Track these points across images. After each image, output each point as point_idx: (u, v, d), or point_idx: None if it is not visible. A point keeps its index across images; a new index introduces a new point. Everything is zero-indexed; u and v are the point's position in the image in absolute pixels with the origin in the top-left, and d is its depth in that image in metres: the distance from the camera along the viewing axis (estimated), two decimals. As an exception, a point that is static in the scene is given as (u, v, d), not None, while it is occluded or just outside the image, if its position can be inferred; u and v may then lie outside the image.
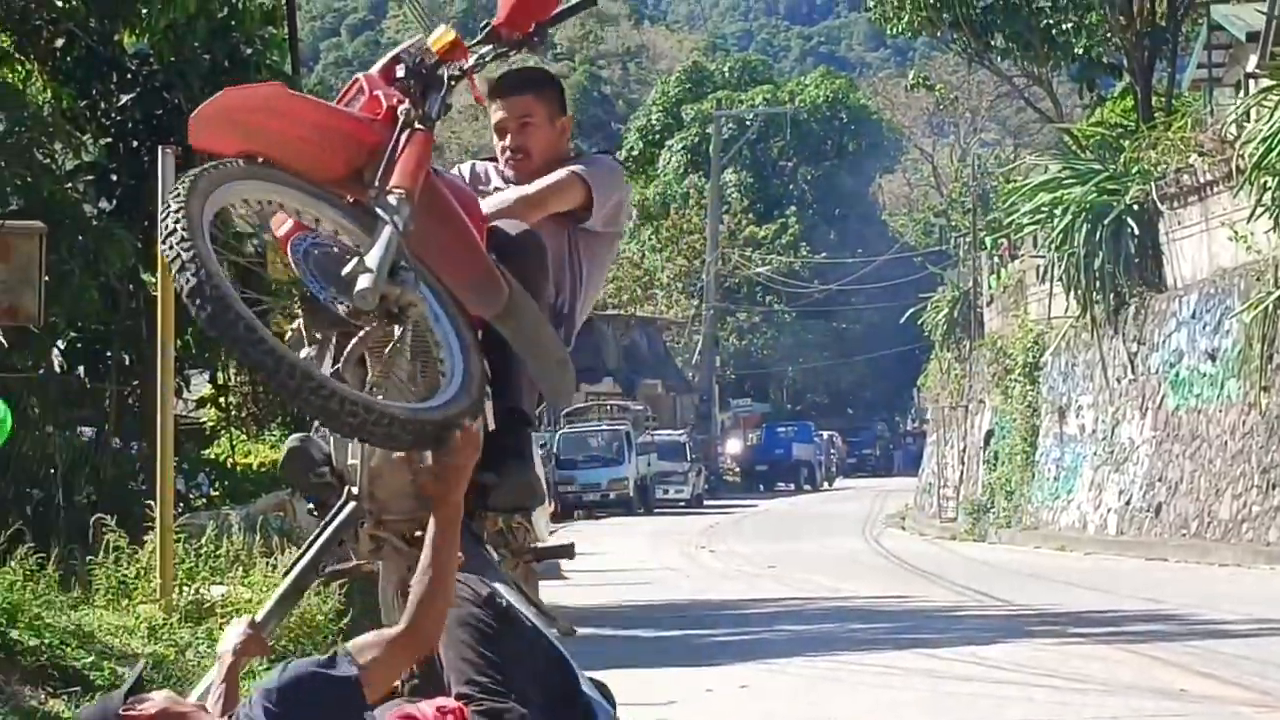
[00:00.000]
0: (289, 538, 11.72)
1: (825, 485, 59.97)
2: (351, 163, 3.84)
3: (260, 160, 3.74)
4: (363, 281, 3.63)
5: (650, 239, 65.58)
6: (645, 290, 62.20)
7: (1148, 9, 29.31)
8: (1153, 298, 24.46)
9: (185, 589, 9.82)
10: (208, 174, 3.64)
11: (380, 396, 3.79)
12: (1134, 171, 25.02)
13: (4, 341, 14.09)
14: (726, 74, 75.73)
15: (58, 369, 15.72)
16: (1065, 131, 32.63)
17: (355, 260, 3.69)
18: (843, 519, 36.94)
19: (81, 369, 16.01)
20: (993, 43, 32.70)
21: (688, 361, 62.33)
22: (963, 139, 61.13)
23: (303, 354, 3.74)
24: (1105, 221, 24.65)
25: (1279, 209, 19.48)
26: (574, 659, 3.79)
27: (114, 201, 15.37)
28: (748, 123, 66.44)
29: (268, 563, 10.24)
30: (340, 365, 3.85)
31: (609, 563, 23.08)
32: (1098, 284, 25.14)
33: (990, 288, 36.48)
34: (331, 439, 4.14)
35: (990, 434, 32.62)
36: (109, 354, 15.80)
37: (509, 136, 4.71)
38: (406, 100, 3.89)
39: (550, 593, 15.29)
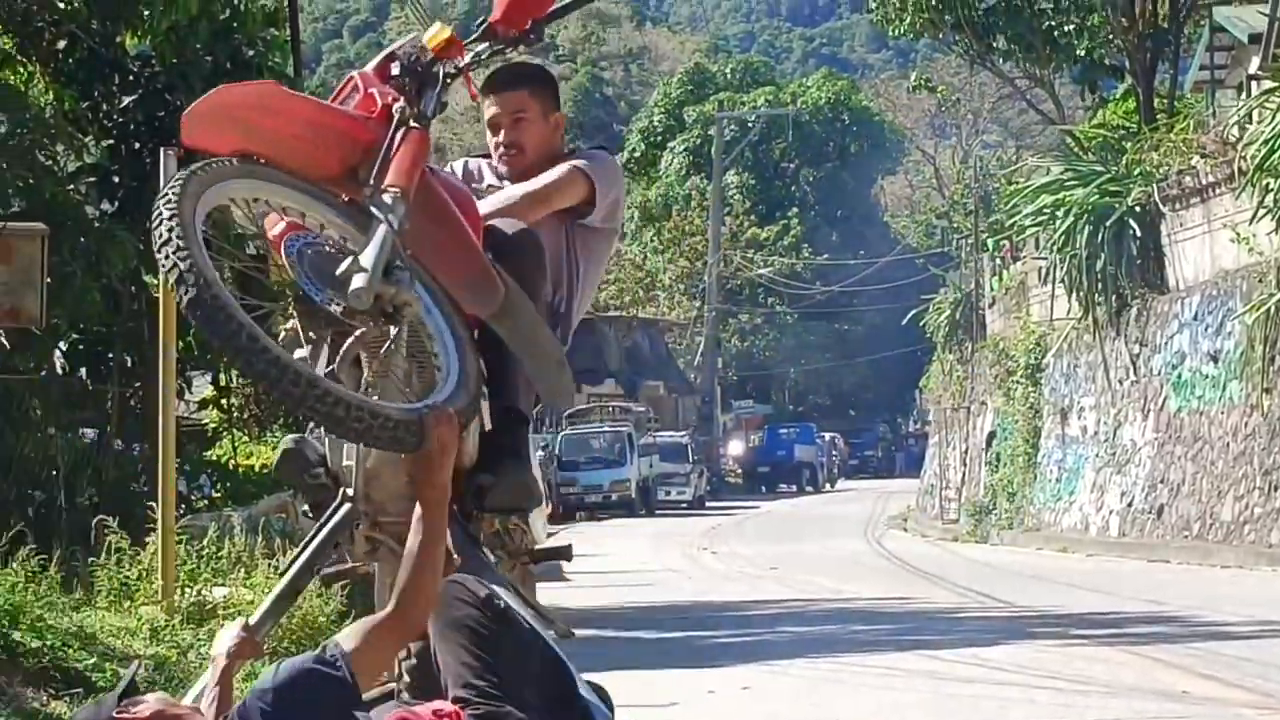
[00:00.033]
0: (291, 539, 11.71)
1: (827, 487, 59.96)
2: (346, 161, 3.81)
3: (254, 159, 3.71)
4: (357, 281, 3.60)
5: (652, 240, 65.62)
6: (647, 292, 62.20)
7: (1150, 11, 29.30)
8: (1155, 299, 24.46)
9: (187, 590, 9.82)
10: (199, 174, 3.60)
11: (376, 396, 3.77)
12: (1136, 173, 25.01)
13: (6, 343, 14.10)
14: (728, 75, 75.75)
15: (60, 371, 15.74)
16: (1067, 133, 32.61)
17: (350, 259, 3.65)
18: (845, 521, 36.92)
19: (83, 370, 16.03)
20: (995, 44, 32.68)
21: (690, 363, 62.33)
22: (965, 141, 61.12)
23: (297, 354, 3.71)
24: (1107, 223, 24.64)
25: (1281, 210, 19.48)
26: (573, 661, 3.78)
27: (116, 203, 15.38)
28: (750, 124, 66.44)
29: (269, 564, 10.25)
30: (336, 365, 3.81)
31: (611, 564, 23.08)
32: (1100, 286, 25.14)
33: (992, 289, 36.48)
34: (327, 440, 4.11)
35: (992, 435, 32.61)
36: (111, 356, 15.81)
37: (502, 132, 4.69)
38: (402, 98, 3.86)
39: (552, 594, 15.31)
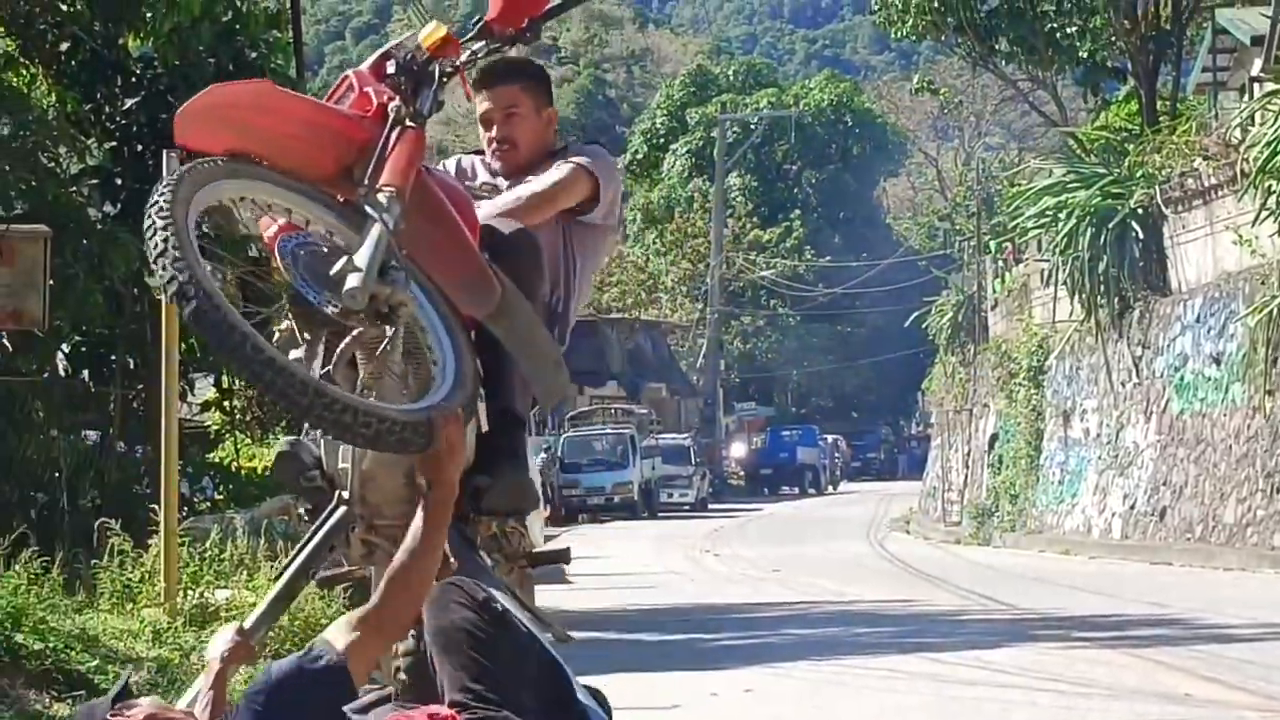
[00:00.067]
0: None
1: (829, 489, 59.93)
2: (341, 160, 3.78)
3: (248, 158, 3.68)
4: (352, 281, 3.56)
5: (655, 243, 65.63)
6: (650, 294, 62.19)
7: (1152, 13, 29.30)
8: (1157, 301, 24.45)
9: (190, 593, 9.83)
10: (189, 176, 3.56)
11: (373, 397, 3.74)
12: (1138, 175, 25.00)
13: (9, 345, 14.12)
14: (731, 77, 75.72)
15: (62, 373, 15.75)
16: (1069, 135, 32.61)
17: (344, 259, 3.62)
18: (847, 523, 36.91)
19: (86, 373, 16.04)
20: (997, 46, 32.69)
21: (692, 365, 62.32)
22: (967, 143, 61.20)
23: (292, 355, 3.67)
24: (1110, 225, 24.64)
25: (1284, 212, 19.48)
26: (575, 663, 3.77)
27: (119, 205, 15.38)
28: (752, 126, 66.42)
29: (272, 566, 10.23)
30: (331, 366, 3.78)
31: (613, 566, 23.07)
32: (1102, 288, 25.13)
33: (994, 291, 36.46)
34: (322, 442, 4.07)
35: (994, 438, 32.59)
36: (113, 358, 15.81)
37: (495, 127, 4.67)
38: (397, 97, 3.82)
39: (554, 596, 15.31)
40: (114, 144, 15.69)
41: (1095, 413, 26.44)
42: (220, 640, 3.66)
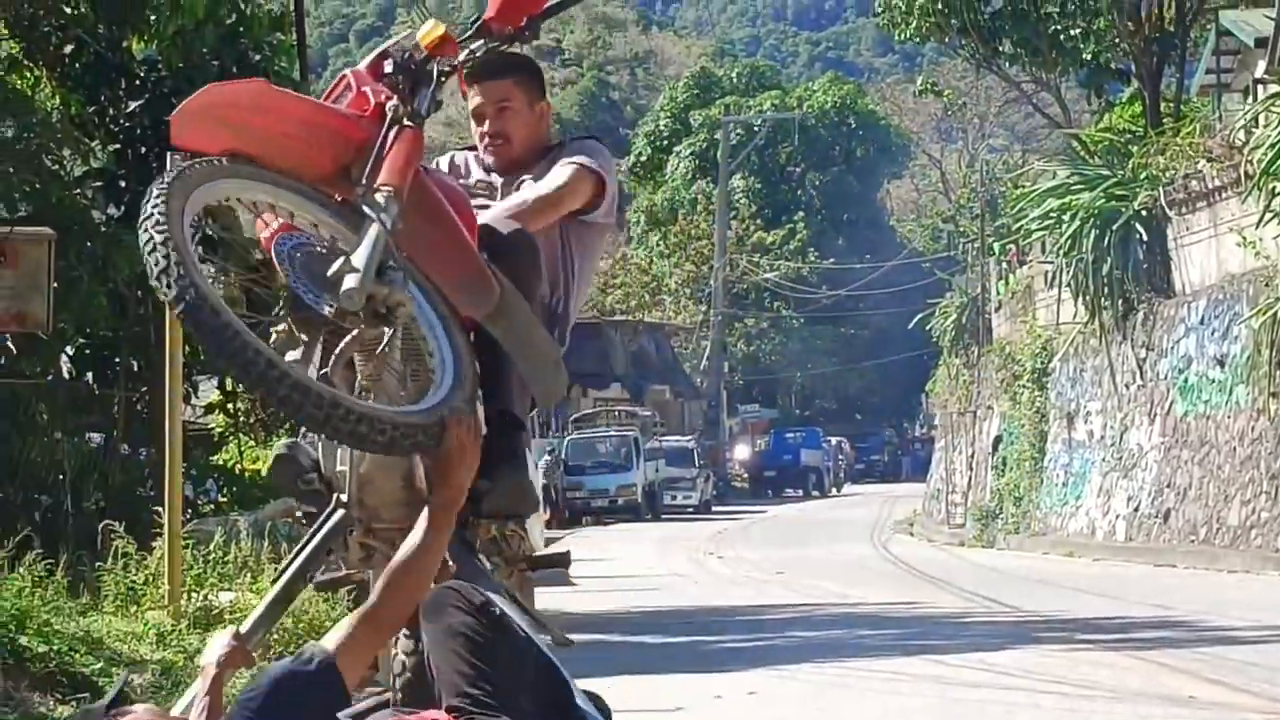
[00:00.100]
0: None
1: (833, 491, 59.92)
2: (339, 160, 3.75)
3: (244, 158, 3.64)
4: (349, 281, 3.53)
5: (658, 245, 65.66)
6: (653, 296, 62.23)
7: (1156, 14, 29.29)
8: (1161, 303, 24.43)
9: (194, 595, 9.82)
10: (184, 178, 3.52)
11: (371, 399, 3.73)
12: (1142, 177, 24.99)
13: (12, 348, 14.14)
14: (734, 80, 75.70)
15: (66, 375, 15.74)
16: (1073, 137, 32.60)
17: (341, 260, 3.59)
18: (851, 525, 36.90)
19: (90, 375, 16.03)
20: (1001, 48, 32.68)
21: (696, 367, 62.31)
22: (971, 144, 61.18)
23: (289, 357, 3.64)
24: (1114, 227, 24.62)
25: (1288, 214, 19.47)
26: (579, 666, 3.76)
27: (122, 208, 15.38)
28: (756, 128, 66.44)
29: (276, 569, 10.23)
30: (329, 368, 3.75)
31: (617, 568, 23.07)
32: (1106, 290, 25.12)
33: (998, 293, 36.46)
34: (320, 445, 4.04)
35: (998, 440, 32.58)
36: (117, 360, 15.81)
37: (487, 122, 4.64)
38: (395, 96, 3.79)
39: (558, 599, 15.32)
40: (118, 146, 15.69)
41: (1099, 415, 26.42)
42: (216, 645, 3.65)
